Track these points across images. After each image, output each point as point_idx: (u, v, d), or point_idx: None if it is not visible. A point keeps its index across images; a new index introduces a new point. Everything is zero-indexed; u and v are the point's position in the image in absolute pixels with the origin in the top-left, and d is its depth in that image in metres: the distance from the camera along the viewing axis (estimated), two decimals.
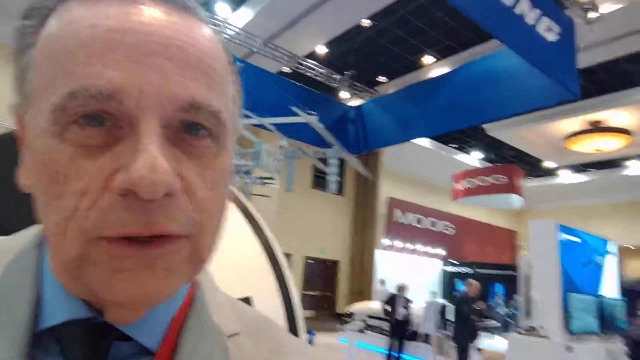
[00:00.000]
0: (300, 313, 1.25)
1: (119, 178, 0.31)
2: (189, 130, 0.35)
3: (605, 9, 8.86)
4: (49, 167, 0.33)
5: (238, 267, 1.14)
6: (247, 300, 1.11)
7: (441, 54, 12.00)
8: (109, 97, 0.31)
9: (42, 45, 0.35)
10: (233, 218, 1.34)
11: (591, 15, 8.82)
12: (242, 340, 0.44)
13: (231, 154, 0.39)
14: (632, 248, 18.22)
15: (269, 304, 1.17)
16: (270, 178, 6.42)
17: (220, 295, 0.47)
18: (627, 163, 17.84)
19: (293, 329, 1.20)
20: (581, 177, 19.64)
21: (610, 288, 8.63)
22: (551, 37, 7.48)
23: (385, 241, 16.77)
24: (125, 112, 0.32)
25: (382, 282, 13.18)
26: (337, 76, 13.31)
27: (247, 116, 7.19)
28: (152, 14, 0.34)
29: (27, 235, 0.43)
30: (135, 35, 0.33)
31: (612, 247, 8.96)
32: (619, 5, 8.81)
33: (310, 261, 15.54)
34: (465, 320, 6.80)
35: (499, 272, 13.38)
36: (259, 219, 1.37)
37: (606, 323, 7.38)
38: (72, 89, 0.31)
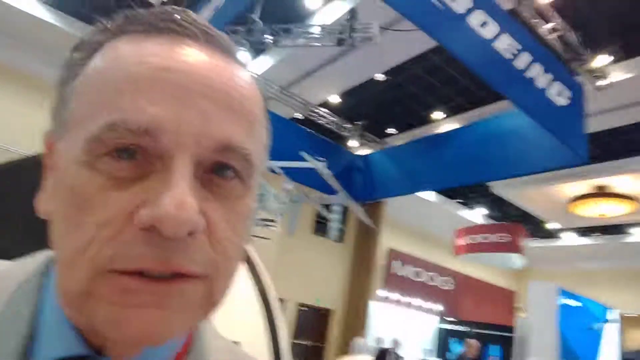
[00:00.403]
0: (287, 357, 1.25)
1: (144, 212, 0.31)
2: (218, 171, 0.35)
3: (615, 77, 9.13)
4: (75, 195, 0.33)
5: (230, 309, 1.15)
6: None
7: (451, 111, 12.25)
8: (146, 132, 0.32)
9: (88, 77, 0.36)
10: None
11: (601, 82, 9.07)
12: None
13: (254, 197, 0.39)
14: (635, 316, 17.77)
15: (257, 350, 1.18)
16: (272, 220, 6.46)
17: (218, 338, 0.47)
18: (631, 230, 17.70)
19: None
20: (584, 241, 19.43)
21: (609, 357, 8.39)
22: (562, 101, 7.65)
23: (382, 293, 16.48)
24: (160, 149, 0.32)
25: (362, 339, 12.38)
26: (348, 125, 13.56)
27: None
28: (197, 56, 0.35)
29: (35, 261, 0.43)
30: (180, 75, 0.34)
31: (613, 315, 8.79)
32: (629, 75, 9.09)
33: (303, 308, 15.25)
34: None
35: (495, 332, 13.05)
36: (257, 263, 1.38)
37: None
38: (112, 121, 0.32)
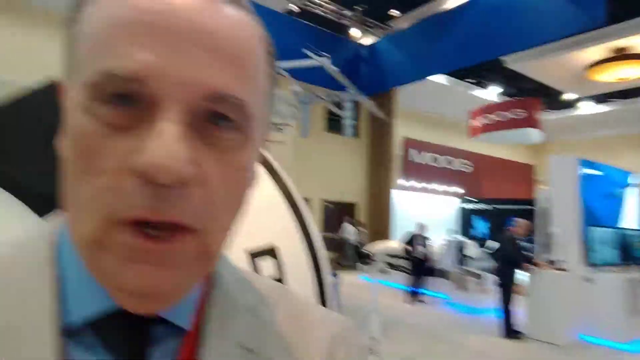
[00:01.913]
0: (323, 255, 1.28)
1: (132, 160, 0.31)
2: (214, 120, 0.34)
3: None
4: (80, 141, 0.33)
5: (259, 215, 1.15)
6: (271, 251, 1.14)
7: None
8: (136, 78, 0.31)
9: (84, 22, 0.35)
10: None
11: None
12: (261, 311, 0.45)
13: (257, 148, 0.39)
14: None
15: (293, 248, 1.19)
16: (285, 124, 6.38)
17: (236, 269, 0.48)
18: None
19: (317, 271, 1.23)
20: (602, 108, 19.08)
21: (630, 220, 8.60)
22: None
23: (402, 181, 16.81)
24: (150, 95, 0.32)
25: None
26: (348, 12, 12.82)
27: None
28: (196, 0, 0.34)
29: (37, 230, 0.42)
30: (170, 19, 0.32)
31: (633, 179, 8.84)
32: None
33: (328, 204, 15.74)
34: (511, 262, 6.48)
35: (516, 207, 13.38)
36: (276, 165, 1.37)
37: (626, 254, 7.43)
38: (107, 68, 0.31)
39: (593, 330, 6.42)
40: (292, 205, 1.29)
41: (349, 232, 13.69)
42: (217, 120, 0.34)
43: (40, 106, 0.96)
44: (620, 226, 8.01)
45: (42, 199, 0.86)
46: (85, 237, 0.33)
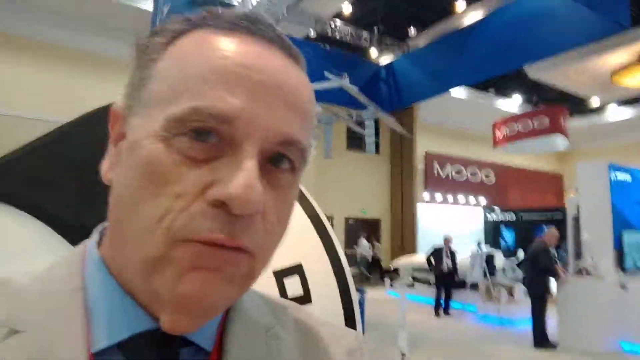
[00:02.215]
0: (348, 272, 1.30)
1: (216, 189, 0.35)
2: (275, 162, 0.39)
3: None
4: (151, 167, 0.36)
5: (288, 234, 1.19)
6: (298, 267, 1.16)
7: None
8: (225, 119, 0.36)
9: (171, 61, 0.39)
10: None
11: None
12: (278, 331, 0.47)
13: (299, 187, 0.44)
14: None
15: (318, 266, 1.21)
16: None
17: (253, 292, 0.50)
18: None
19: (344, 287, 1.26)
20: (628, 112, 18.62)
21: None
22: None
23: (426, 195, 16.68)
24: (233, 135, 0.36)
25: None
26: (365, 34, 12.98)
27: None
28: (273, 58, 0.40)
29: (61, 262, 0.44)
30: (258, 73, 0.38)
31: None
32: None
33: (351, 222, 15.72)
34: (542, 271, 6.43)
35: (544, 215, 13.11)
36: (301, 187, 1.41)
37: None
38: (197, 105, 0.36)
39: (633, 337, 6.21)
40: (317, 225, 1.33)
41: (364, 247, 13.74)
42: (279, 163, 0.39)
43: (71, 142, 1.05)
44: None
45: (75, 229, 0.91)
46: (146, 255, 0.36)
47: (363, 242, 14.09)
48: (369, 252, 13.85)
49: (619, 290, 6.40)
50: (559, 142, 11.98)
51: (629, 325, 6.23)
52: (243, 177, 0.35)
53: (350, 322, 1.22)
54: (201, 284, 0.36)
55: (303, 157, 0.41)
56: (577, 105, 17.81)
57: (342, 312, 1.22)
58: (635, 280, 6.52)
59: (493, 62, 9.90)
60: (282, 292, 1.10)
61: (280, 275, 1.11)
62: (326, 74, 7.58)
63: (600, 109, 18.88)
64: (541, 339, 6.30)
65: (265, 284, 1.12)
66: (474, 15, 11.44)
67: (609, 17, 7.54)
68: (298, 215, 1.33)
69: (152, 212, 0.36)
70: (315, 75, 7.90)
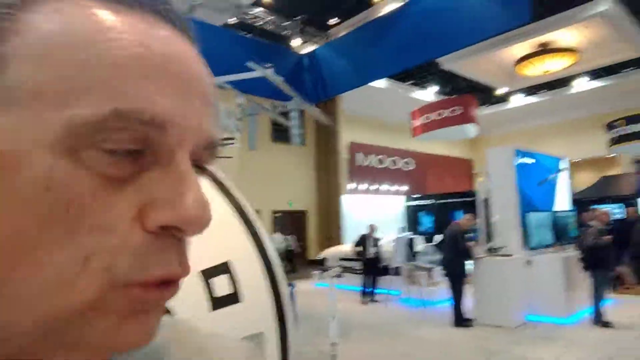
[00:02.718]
0: (278, 266, 1.30)
1: (161, 212, 0.28)
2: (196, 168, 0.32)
3: None
4: (55, 194, 0.26)
5: (212, 233, 1.15)
6: (224, 266, 1.13)
7: None
8: (159, 124, 0.28)
9: (45, 39, 0.27)
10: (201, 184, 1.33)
11: None
12: (164, 354, 0.39)
13: None
14: (579, 160, 19.38)
15: (247, 262, 1.20)
16: (231, 138, 6.34)
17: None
18: (573, 82, 18.56)
19: (273, 282, 1.25)
20: (532, 100, 20.34)
21: (563, 202, 9.21)
22: None
23: (350, 185, 17.06)
24: (163, 143, 0.28)
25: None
26: (287, 22, 12.91)
27: None
28: (186, 47, 0.32)
29: None
30: (181, 67, 0.30)
31: (564, 164, 9.48)
32: None
33: (278, 214, 15.72)
34: (460, 253, 6.73)
35: (458, 200, 14.00)
36: (225, 180, 1.37)
37: (560, 235, 7.97)
38: (120, 108, 0.26)
39: (537, 309, 6.82)
40: (244, 220, 1.30)
41: (277, 240, 13.84)
42: (198, 168, 0.32)
43: None
44: (554, 209, 8.57)
45: None
46: (70, 304, 0.27)
47: (275, 235, 14.14)
48: (281, 245, 13.91)
49: (526, 267, 6.99)
50: (470, 129, 12.75)
51: (533, 299, 6.84)
52: (193, 192, 0.28)
53: (281, 317, 1.21)
54: (144, 327, 0.29)
55: (215, 156, 0.34)
56: (486, 94, 19.11)
57: (272, 307, 1.21)
58: (539, 257, 7.16)
59: (409, 52, 10.31)
60: (210, 292, 1.07)
61: (207, 275, 1.08)
62: (250, 64, 7.42)
63: (506, 98, 20.42)
64: (458, 318, 6.72)
65: (191, 285, 1.08)
66: (393, 6, 11.80)
67: (511, 11, 8.15)
68: (224, 211, 1.29)
69: (77, 253, 0.26)
70: (236, 65, 7.70)
